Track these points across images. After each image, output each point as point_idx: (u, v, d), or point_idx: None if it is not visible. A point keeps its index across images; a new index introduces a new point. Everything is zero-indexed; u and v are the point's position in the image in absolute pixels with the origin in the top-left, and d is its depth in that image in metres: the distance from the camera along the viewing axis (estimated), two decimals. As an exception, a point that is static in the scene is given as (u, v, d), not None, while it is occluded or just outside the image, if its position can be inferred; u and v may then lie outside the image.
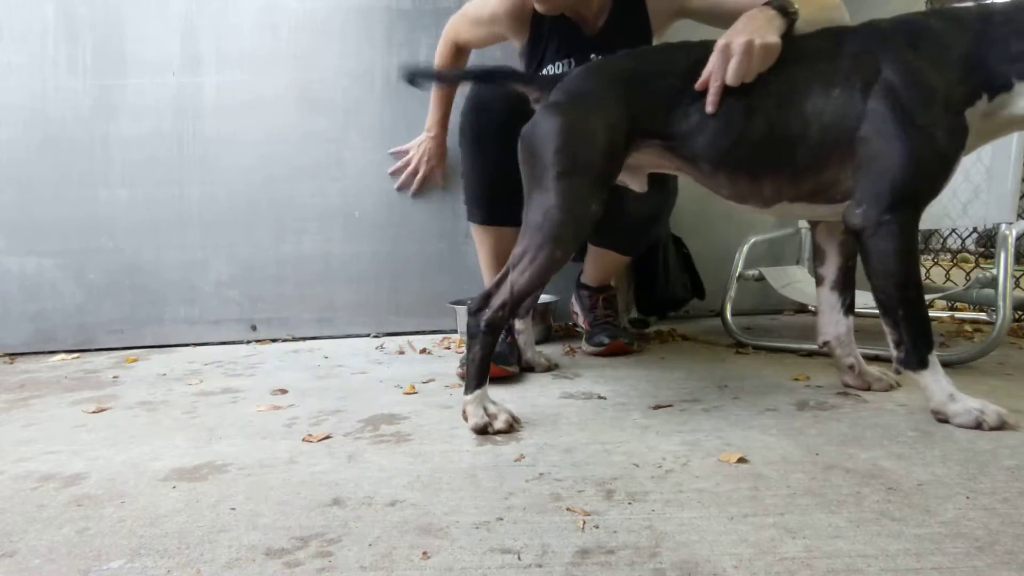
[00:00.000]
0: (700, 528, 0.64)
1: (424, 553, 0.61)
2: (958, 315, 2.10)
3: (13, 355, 1.80)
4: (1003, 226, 1.37)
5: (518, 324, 1.43)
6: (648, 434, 0.94)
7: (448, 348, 1.72)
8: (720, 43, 1.03)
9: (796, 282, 1.84)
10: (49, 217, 1.84)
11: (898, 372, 1.00)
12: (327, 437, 0.96)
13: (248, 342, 1.89)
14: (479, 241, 1.51)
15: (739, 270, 1.80)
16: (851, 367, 1.17)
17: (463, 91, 1.83)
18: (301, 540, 0.64)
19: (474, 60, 1.74)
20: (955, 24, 0.97)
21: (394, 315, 1.94)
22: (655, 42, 1.47)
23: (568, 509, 0.69)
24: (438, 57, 1.65)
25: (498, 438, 0.95)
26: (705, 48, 1.05)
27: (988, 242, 2.45)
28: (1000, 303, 1.31)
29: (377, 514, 0.70)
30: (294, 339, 1.91)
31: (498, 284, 1.03)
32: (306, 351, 1.74)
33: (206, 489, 0.78)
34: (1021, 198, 1.47)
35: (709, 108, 1.02)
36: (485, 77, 1.24)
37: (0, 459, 0.90)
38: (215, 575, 0.58)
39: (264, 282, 1.92)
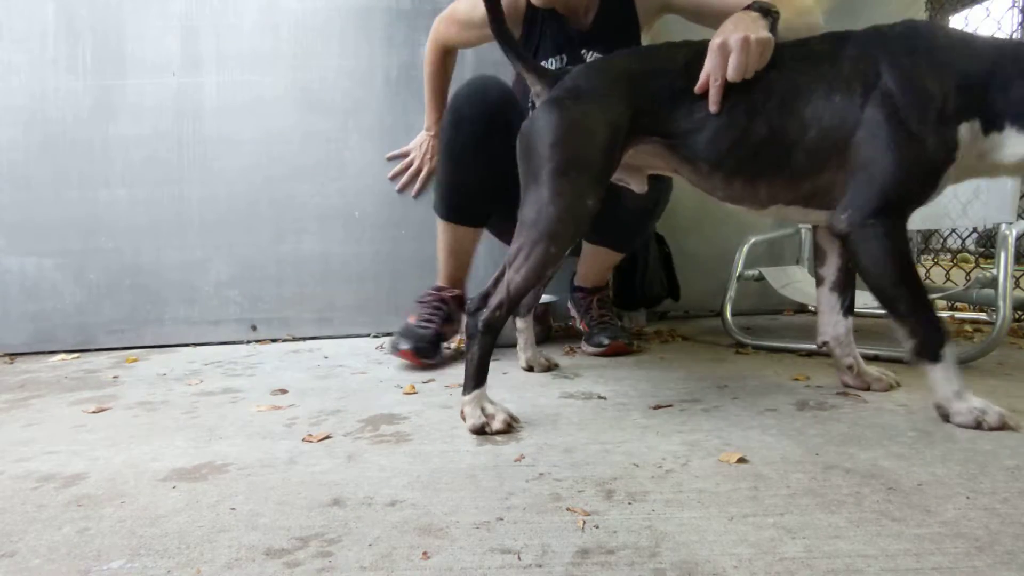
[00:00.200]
0: (700, 528, 0.64)
1: (424, 553, 0.61)
2: (958, 315, 2.10)
3: (13, 355, 1.80)
4: (1003, 226, 1.37)
5: (519, 323, 1.44)
6: (648, 434, 0.94)
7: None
8: (715, 41, 1.03)
9: (796, 282, 1.84)
10: (49, 217, 1.83)
11: (910, 363, 0.99)
12: (327, 437, 0.96)
13: (248, 342, 1.89)
14: (440, 232, 1.58)
15: (739, 270, 1.80)
16: (850, 367, 1.17)
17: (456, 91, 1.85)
18: (301, 540, 0.64)
19: (473, 61, 1.75)
20: (964, 43, 0.96)
21: (394, 315, 1.93)
22: (643, 38, 1.48)
23: (568, 509, 0.69)
24: (429, 64, 1.67)
25: (498, 438, 0.95)
26: (706, 47, 1.04)
27: (988, 242, 2.45)
28: (1000, 303, 1.31)
29: (377, 514, 0.70)
30: (294, 339, 1.91)
31: (495, 283, 1.03)
32: (306, 351, 1.74)
33: (206, 489, 0.78)
34: (1021, 198, 1.47)
35: (712, 108, 1.02)
36: (507, 40, 1.14)
37: (0, 459, 0.90)
38: (215, 575, 0.58)
39: (264, 282, 1.92)
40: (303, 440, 0.95)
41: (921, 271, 0.95)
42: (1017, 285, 1.93)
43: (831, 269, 1.17)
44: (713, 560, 0.58)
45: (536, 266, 1.00)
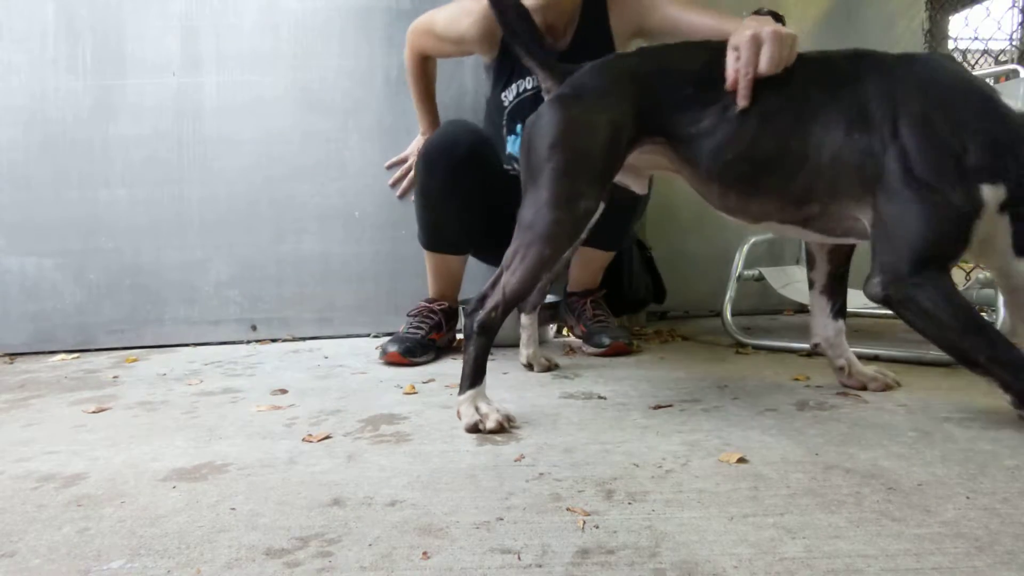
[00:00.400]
0: (700, 528, 0.64)
1: (424, 553, 0.61)
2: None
3: (13, 355, 1.80)
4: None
5: (523, 319, 1.44)
6: (648, 434, 0.94)
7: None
8: (745, 35, 0.99)
9: (796, 282, 1.84)
10: (49, 217, 1.83)
11: (1022, 418, 0.93)
12: (327, 437, 0.96)
13: (248, 342, 1.89)
14: (426, 257, 1.64)
15: (739, 270, 1.80)
16: (842, 368, 1.18)
17: (450, 92, 1.85)
18: (301, 540, 0.64)
19: (473, 61, 1.74)
20: (991, 102, 0.91)
21: (394, 315, 1.93)
22: None
23: (568, 509, 0.69)
24: (409, 72, 1.69)
25: (498, 438, 0.95)
26: (722, 48, 1.02)
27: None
28: (1000, 303, 1.31)
29: (377, 514, 0.70)
30: (294, 339, 1.91)
31: (492, 286, 1.03)
32: (306, 351, 1.74)
33: (206, 489, 0.78)
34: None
35: (742, 102, 0.98)
36: (520, 28, 1.13)
37: (0, 459, 0.90)
38: (215, 575, 0.58)
39: (264, 282, 1.92)
40: (303, 440, 0.95)
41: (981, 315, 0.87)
42: (1017, 285, 1.93)
43: (820, 274, 1.18)
44: (713, 560, 0.58)
45: (531, 269, 0.99)
